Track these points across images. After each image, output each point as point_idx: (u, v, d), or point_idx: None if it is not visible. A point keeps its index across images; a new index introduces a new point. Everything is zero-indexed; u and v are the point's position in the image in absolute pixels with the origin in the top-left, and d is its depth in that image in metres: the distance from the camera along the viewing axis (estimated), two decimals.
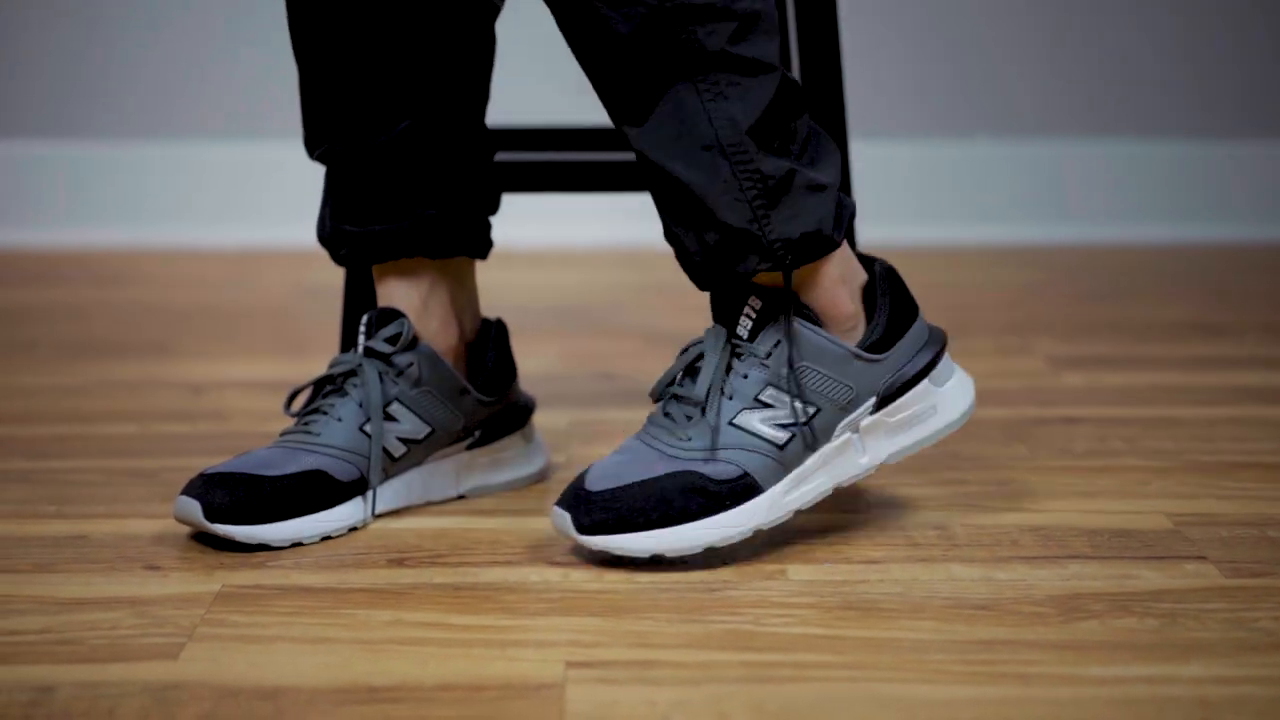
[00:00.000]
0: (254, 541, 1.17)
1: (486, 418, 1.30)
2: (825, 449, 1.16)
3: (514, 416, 1.33)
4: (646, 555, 1.12)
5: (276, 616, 1.05)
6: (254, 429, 1.50)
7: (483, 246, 1.31)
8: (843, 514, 1.23)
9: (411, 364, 1.25)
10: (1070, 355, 1.80)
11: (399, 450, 1.25)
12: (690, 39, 1.10)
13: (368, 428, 1.23)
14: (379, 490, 1.24)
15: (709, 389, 1.14)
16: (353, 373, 1.25)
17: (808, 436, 1.15)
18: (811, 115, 1.17)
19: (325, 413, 1.23)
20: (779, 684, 0.96)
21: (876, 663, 0.98)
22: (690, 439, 1.14)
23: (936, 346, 1.20)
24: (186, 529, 1.20)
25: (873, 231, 2.40)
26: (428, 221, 1.27)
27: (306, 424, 1.24)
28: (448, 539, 1.20)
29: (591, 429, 1.48)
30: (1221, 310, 2.12)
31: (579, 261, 2.37)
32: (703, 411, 1.14)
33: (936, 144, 2.63)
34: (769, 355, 1.14)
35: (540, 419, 1.42)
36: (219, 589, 1.09)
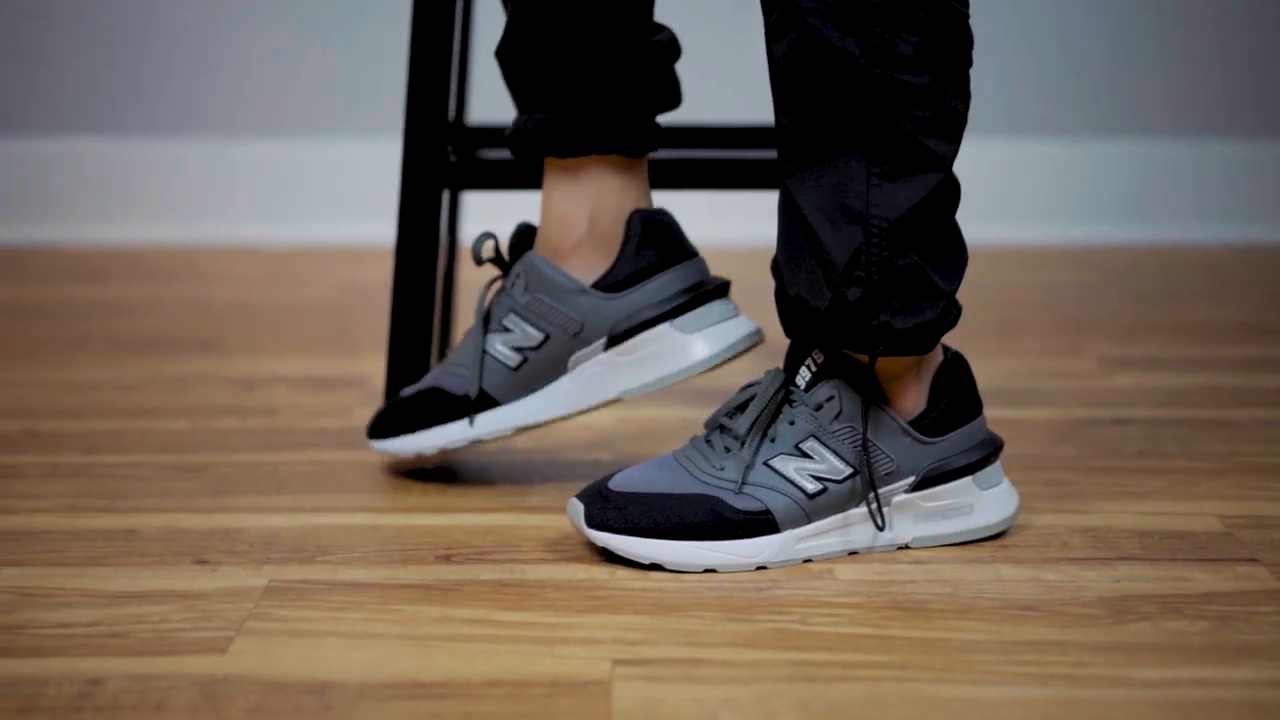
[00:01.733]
0: (384, 453, 1.31)
1: (618, 315, 1.26)
2: (854, 512, 1.16)
3: (659, 308, 1.26)
4: (647, 562, 1.12)
5: (324, 611, 1.06)
6: (303, 424, 1.50)
7: (631, 144, 1.27)
8: None
9: (519, 274, 1.27)
10: (1121, 356, 1.79)
11: (514, 360, 1.27)
12: (885, 117, 1.10)
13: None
14: (516, 405, 1.27)
15: (751, 425, 1.14)
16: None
17: (859, 486, 1.15)
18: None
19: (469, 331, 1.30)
20: (826, 683, 0.95)
21: (924, 663, 0.98)
22: (723, 469, 1.14)
23: (988, 449, 1.19)
24: (233, 525, 1.22)
25: None
26: (548, 123, 1.26)
27: (461, 342, 1.32)
28: (495, 535, 1.20)
29: (637, 427, 1.48)
30: (1274, 311, 2.10)
31: None
32: (742, 445, 1.14)
33: (987, 143, 2.62)
34: (819, 408, 1.14)
35: (588, 417, 1.42)
36: (267, 583, 1.10)
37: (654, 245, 1.26)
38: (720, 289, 1.27)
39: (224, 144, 2.60)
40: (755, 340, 1.27)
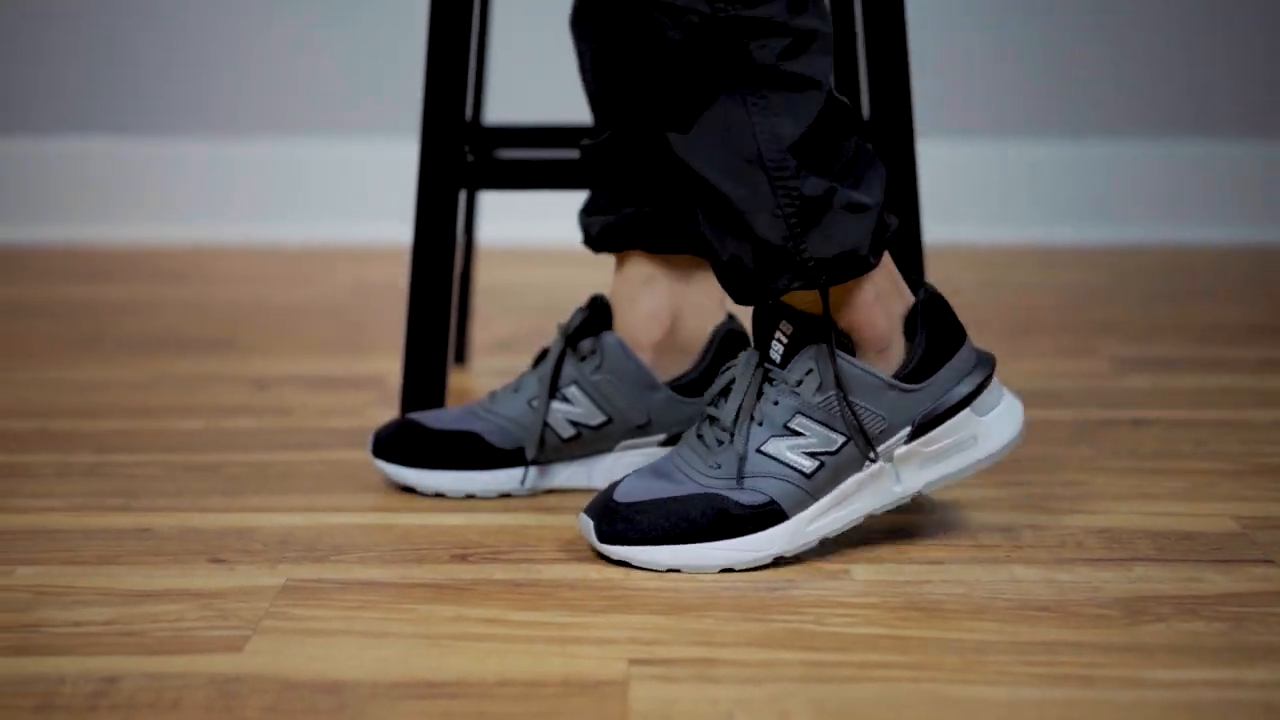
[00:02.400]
0: (401, 482, 1.28)
1: (687, 418, 1.29)
2: (857, 477, 1.15)
3: None
4: (663, 569, 1.12)
5: (339, 610, 1.06)
6: (317, 424, 1.50)
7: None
8: (906, 515, 1.23)
9: (594, 350, 1.28)
10: (1136, 357, 1.79)
11: (567, 431, 1.28)
12: (742, 51, 1.09)
13: (533, 402, 1.27)
14: (553, 468, 1.29)
15: (737, 414, 1.14)
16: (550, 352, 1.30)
17: (857, 451, 1.14)
18: (861, 135, 1.16)
19: (514, 385, 1.29)
20: (841, 683, 0.95)
21: (939, 663, 0.98)
22: (719, 466, 1.14)
23: (982, 375, 1.18)
24: (248, 524, 1.22)
25: (938, 231, 2.39)
26: (644, 217, 1.29)
27: (494, 392, 1.31)
28: (510, 535, 1.20)
29: None
30: None
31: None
32: (731, 437, 1.14)
33: (1001, 144, 2.62)
34: (799, 383, 1.13)
35: None
36: (283, 583, 1.10)
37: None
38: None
39: (235, 143, 2.60)
40: None
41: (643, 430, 1.29)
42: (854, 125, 1.14)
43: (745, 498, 1.12)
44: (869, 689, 0.95)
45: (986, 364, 1.18)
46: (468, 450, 1.27)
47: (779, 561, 1.13)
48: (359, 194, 2.59)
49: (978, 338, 1.87)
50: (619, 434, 1.29)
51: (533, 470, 1.28)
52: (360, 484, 1.32)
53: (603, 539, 1.13)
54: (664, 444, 1.29)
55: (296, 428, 1.50)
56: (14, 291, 2.23)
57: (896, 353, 1.16)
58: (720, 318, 1.32)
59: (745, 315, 1.32)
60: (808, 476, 1.13)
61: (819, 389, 1.13)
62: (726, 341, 1.30)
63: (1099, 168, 2.61)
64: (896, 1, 1.37)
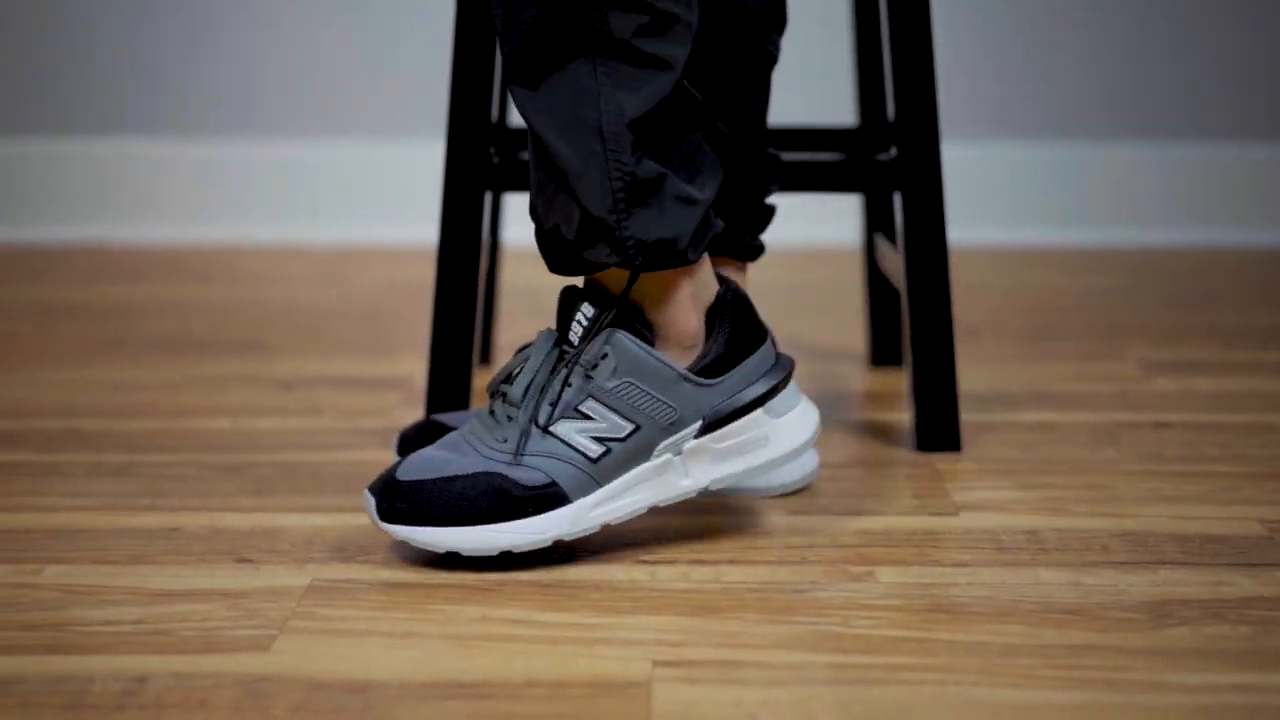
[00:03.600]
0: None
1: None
2: (644, 467, 1.15)
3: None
4: (443, 550, 1.12)
5: (366, 611, 1.06)
6: (344, 425, 1.51)
7: (741, 249, 1.31)
8: (931, 517, 1.23)
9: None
10: (1162, 360, 1.79)
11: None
12: (600, 20, 1.09)
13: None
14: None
15: (525, 390, 1.14)
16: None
17: (645, 440, 1.14)
18: (709, 133, 1.17)
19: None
20: (866, 686, 0.95)
21: (964, 666, 0.98)
22: (505, 440, 1.13)
23: (778, 376, 1.17)
24: (275, 524, 1.22)
25: (962, 233, 2.39)
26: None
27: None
28: None
29: None
30: None
31: None
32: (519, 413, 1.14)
33: (1026, 146, 2.61)
34: (595, 366, 1.13)
35: None
36: (309, 583, 1.11)
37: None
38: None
39: (265, 145, 2.61)
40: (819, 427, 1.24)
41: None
42: (701, 120, 1.14)
43: (525, 476, 1.12)
44: (894, 691, 0.95)
45: (784, 366, 1.18)
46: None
47: (803, 562, 1.14)
48: (389, 195, 2.59)
49: (1001, 340, 1.87)
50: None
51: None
52: None
53: (383, 517, 1.12)
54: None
55: (324, 428, 1.50)
56: (45, 292, 2.24)
57: (700, 352, 1.16)
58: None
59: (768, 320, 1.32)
60: (593, 461, 1.13)
61: (613, 373, 1.12)
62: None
63: (1126, 170, 2.60)
64: (922, 3, 1.38)
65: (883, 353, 1.72)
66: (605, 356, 1.13)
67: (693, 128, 1.14)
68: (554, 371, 1.14)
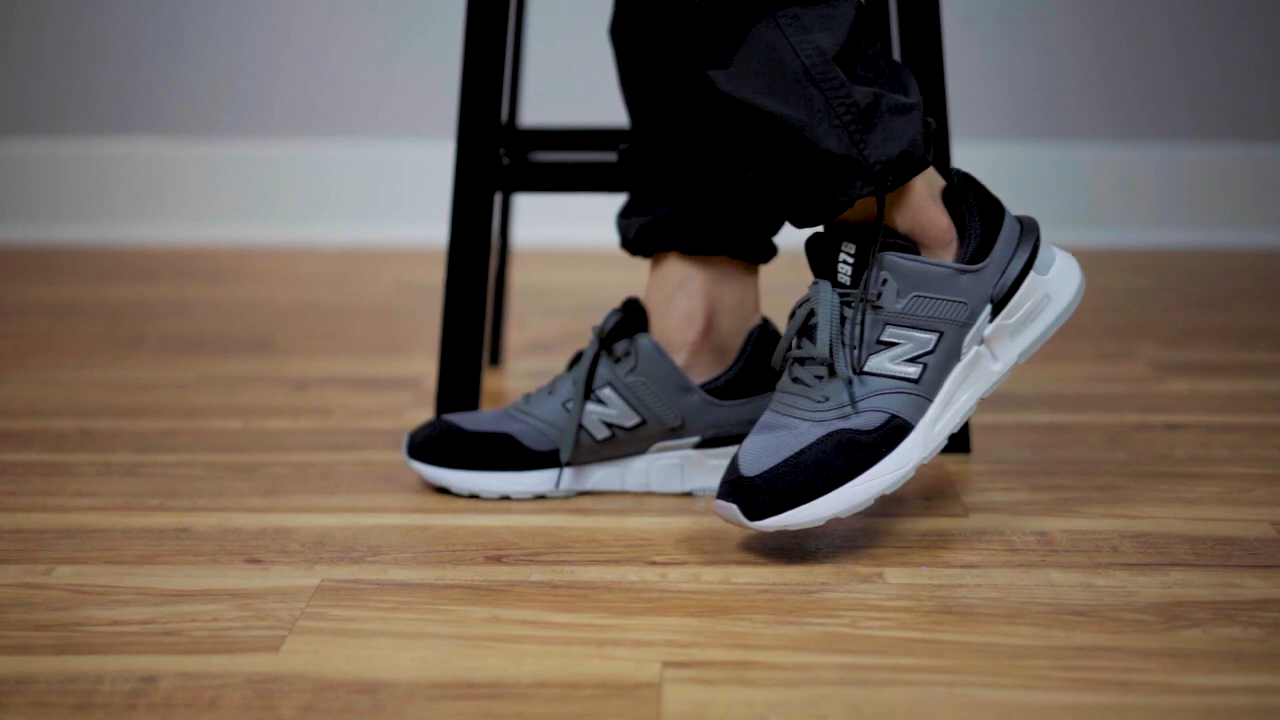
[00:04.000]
0: (437, 483, 1.29)
1: (721, 420, 1.29)
2: (959, 367, 1.17)
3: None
4: (823, 521, 1.12)
5: (375, 611, 1.06)
6: (355, 425, 1.51)
7: (753, 251, 1.32)
8: (941, 518, 1.23)
9: (628, 352, 1.28)
10: (1174, 361, 1.78)
11: (601, 433, 1.28)
12: None
13: (568, 405, 1.28)
14: (587, 469, 1.29)
15: (830, 343, 1.14)
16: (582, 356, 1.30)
17: (952, 344, 1.16)
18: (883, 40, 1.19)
19: (549, 387, 1.30)
20: (875, 687, 0.95)
21: (974, 667, 0.98)
22: (827, 399, 1.14)
23: (1032, 238, 1.20)
24: (285, 524, 1.23)
25: None
26: (680, 218, 1.30)
27: (529, 394, 1.31)
28: (546, 537, 1.20)
29: None
30: None
31: None
32: (831, 369, 1.14)
33: (1040, 147, 2.61)
34: (879, 295, 1.14)
35: None
36: (319, 583, 1.11)
37: (763, 363, 1.29)
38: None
39: (278, 145, 2.61)
40: None
41: (676, 433, 1.29)
42: (880, 34, 1.15)
43: (866, 422, 1.13)
44: (903, 693, 0.95)
45: (1032, 226, 1.21)
46: (503, 452, 1.28)
47: (813, 563, 1.13)
48: (401, 195, 2.60)
49: None
50: (653, 436, 1.29)
51: (567, 472, 1.28)
52: (397, 485, 1.32)
53: (753, 517, 1.12)
54: (698, 446, 1.29)
55: (335, 429, 1.50)
56: (57, 292, 2.25)
57: (954, 242, 1.18)
58: (756, 320, 1.32)
59: (778, 317, 1.32)
60: (916, 382, 1.14)
61: (898, 295, 1.14)
62: (761, 342, 1.30)
63: (1139, 171, 2.60)
64: (932, 5, 1.37)
65: None
66: (885, 282, 1.14)
67: (874, 40, 1.16)
68: (843, 316, 1.15)
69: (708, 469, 1.29)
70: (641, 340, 1.28)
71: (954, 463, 1.38)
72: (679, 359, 1.29)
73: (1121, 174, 2.60)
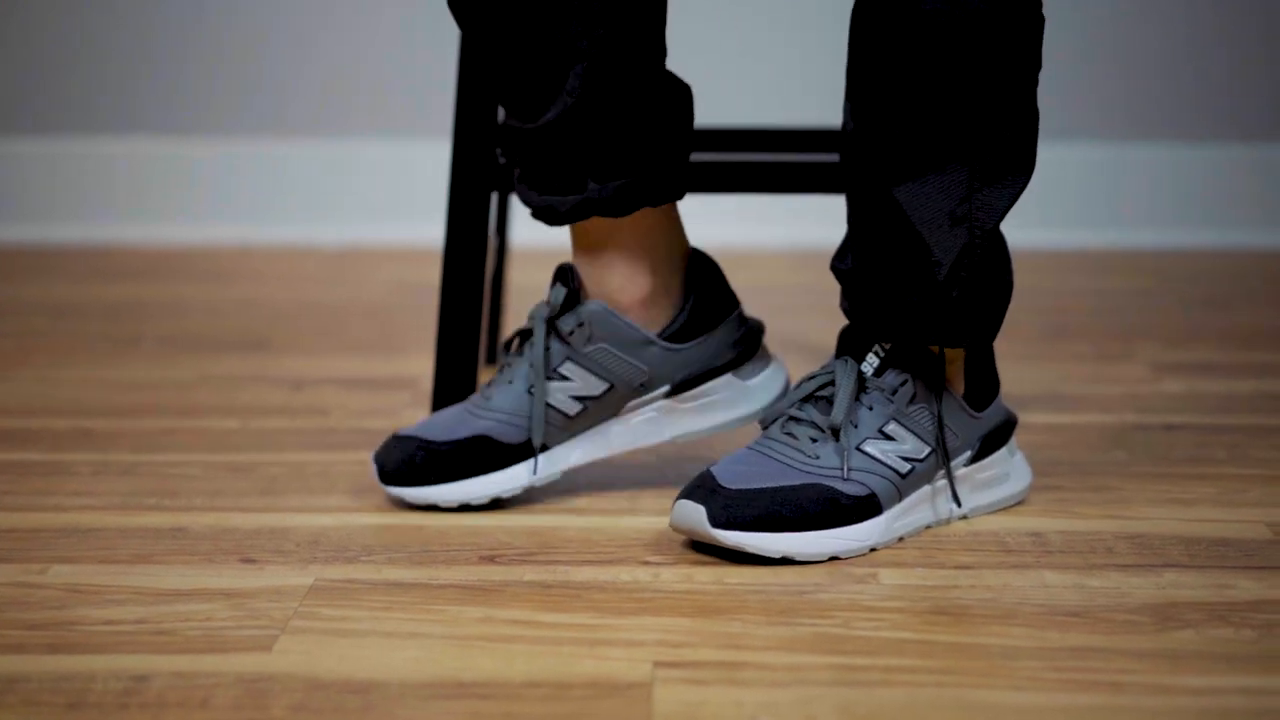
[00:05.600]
0: (423, 503, 1.25)
1: (686, 362, 1.28)
2: (926, 488, 1.20)
3: (722, 357, 1.30)
4: (777, 556, 1.13)
5: (368, 611, 1.06)
6: (353, 425, 1.51)
7: (669, 192, 1.27)
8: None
9: (581, 323, 1.25)
10: (1173, 362, 1.78)
11: (574, 408, 1.26)
12: (990, 120, 1.16)
13: (532, 389, 1.26)
14: (563, 449, 1.27)
15: (845, 414, 1.17)
16: (529, 332, 1.27)
17: (933, 463, 1.20)
18: None
19: (504, 377, 1.27)
20: (867, 688, 0.95)
21: (966, 668, 0.98)
22: (819, 458, 1.16)
23: (1009, 417, 1.26)
24: (281, 524, 1.23)
25: None
26: (593, 191, 1.25)
27: (487, 388, 1.28)
28: (538, 537, 1.20)
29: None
30: None
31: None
32: (835, 436, 1.17)
33: (1043, 147, 2.61)
34: (895, 392, 1.18)
35: None
36: (312, 583, 1.11)
37: (710, 295, 1.29)
38: (761, 333, 1.32)
39: (275, 144, 2.61)
40: (787, 384, 1.33)
41: (645, 388, 1.27)
42: None
43: (850, 489, 1.15)
44: (895, 693, 0.95)
45: (1009, 412, 1.27)
46: (481, 454, 1.25)
47: (808, 564, 1.13)
48: (400, 195, 2.60)
49: (1014, 340, 1.87)
50: (623, 398, 1.27)
51: (543, 457, 1.27)
52: None
53: (716, 525, 1.13)
54: (669, 395, 1.28)
55: (332, 428, 1.51)
56: (55, 291, 2.25)
57: (961, 381, 1.24)
58: (687, 250, 1.29)
59: (705, 246, 1.32)
60: (902, 476, 1.18)
61: (912, 400, 1.19)
62: (699, 274, 1.28)
63: (1137, 171, 2.60)
64: None
65: None
66: (904, 383, 1.19)
67: None
68: (857, 399, 1.18)
69: (683, 414, 1.29)
70: (591, 307, 1.25)
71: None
72: (631, 317, 1.27)
73: (1121, 174, 2.60)
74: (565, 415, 1.26)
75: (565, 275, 1.27)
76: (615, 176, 1.24)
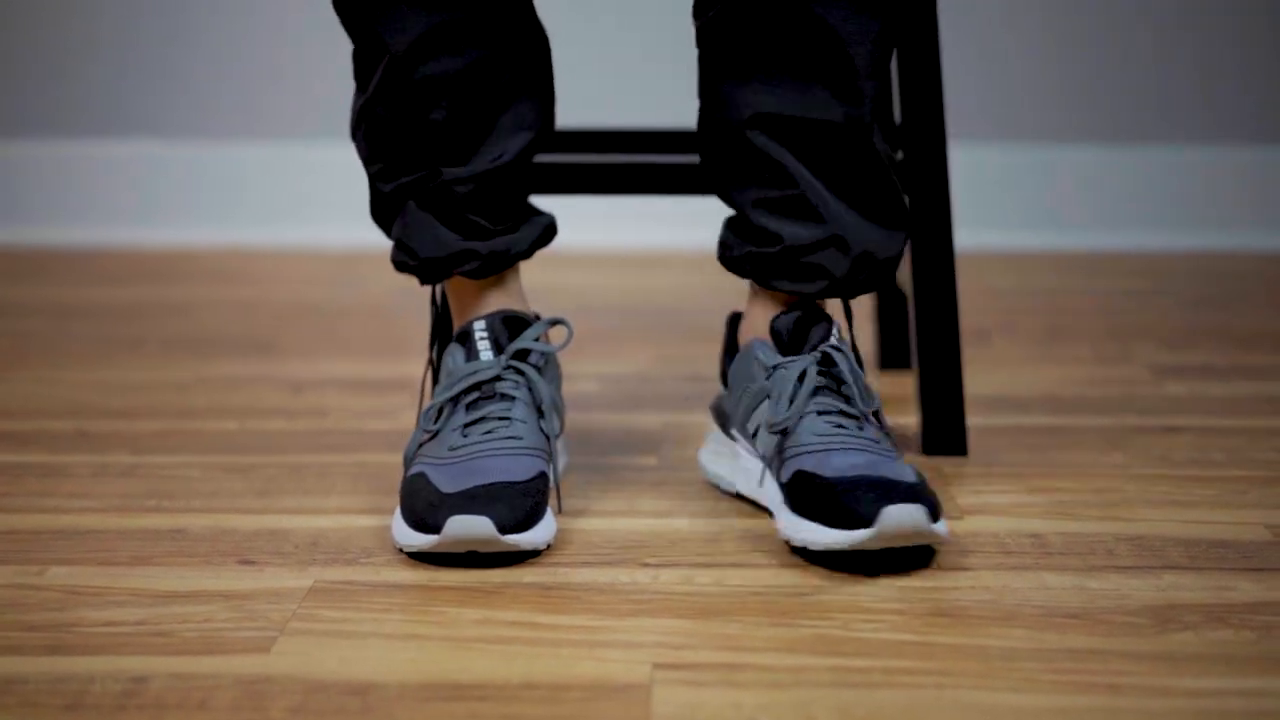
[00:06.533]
0: (533, 548, 1.15)
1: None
2: None
3: None
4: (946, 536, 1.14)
5: (367, 613, 1.06)
6: (352, 426, 1.51)
7: (530, 251, 1.35)
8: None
9: (548, 362, 1.28)
10: (1173, 364, 1.78)
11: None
12: None
13: (542, 425, 1.23)
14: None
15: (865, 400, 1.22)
16: (498, 378, 1.24)
17: None
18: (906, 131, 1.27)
19: (507, 418, 1.21)
20: (866, 689, 0.95)
21: (965, 670, 0.97)
22: (879, 440, 1.19)
23: None
24: (280, 526, 1.23)
25: (976, 236, 2.39)
26: (482, 254, 1.32)
27: (489, 432, 1.21)
28: None
29: (684, 431, 1.48)
30: None
31: (674, 264, 2.38)
32: (877, 418, 1.21)
33: (1041, 149, 2.61)
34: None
35: (634, 420, 1.46)
36: (311, 584, 1.11)
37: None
38: None
39: (276, 146, 2.61)
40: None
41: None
42: None
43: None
44: (894, 695, 0.94)
45: None
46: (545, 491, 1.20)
47: (808, 565, 1.13)
48: None
49: (1012, 343, 1.86)
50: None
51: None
52: (392, 487, 1.31)
53: (935, 520, 1.11)
54: None
55: (332, 430, 1.51)
56: (54, 293, 2.25)
57: None
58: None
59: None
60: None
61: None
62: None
63: (1139, 173, 2.60)
64: (929, 5, 1.37)
65: (891, 356, 1.72)
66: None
67: None
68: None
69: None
70: (544, 347, 1.27)
71: (950, 465, 1.38)
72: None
73: (1121, 175, 2.60)
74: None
75: (519, 319, 1.29)
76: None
